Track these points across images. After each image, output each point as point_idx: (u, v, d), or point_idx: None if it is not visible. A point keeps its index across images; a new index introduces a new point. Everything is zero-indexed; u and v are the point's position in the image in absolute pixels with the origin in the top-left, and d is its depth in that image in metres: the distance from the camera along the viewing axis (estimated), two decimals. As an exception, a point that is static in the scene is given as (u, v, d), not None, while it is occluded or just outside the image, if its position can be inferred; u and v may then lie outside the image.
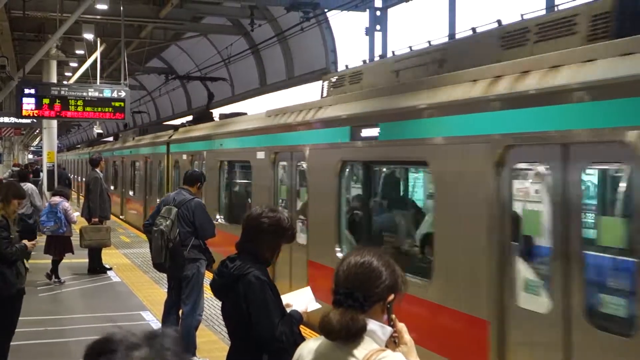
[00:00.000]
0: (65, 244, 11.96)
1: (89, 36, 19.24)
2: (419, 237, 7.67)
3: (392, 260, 2.49)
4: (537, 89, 5.08)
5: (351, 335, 2.29)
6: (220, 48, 23.25)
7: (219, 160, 13.08)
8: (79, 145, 55.55)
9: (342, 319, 2.29)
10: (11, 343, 6.66)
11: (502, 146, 5.40)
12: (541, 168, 5.23)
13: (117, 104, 15.48)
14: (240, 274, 3.65)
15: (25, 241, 6.64)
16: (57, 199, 12.05)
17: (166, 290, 7.93)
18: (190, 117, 19.56)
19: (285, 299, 3.85)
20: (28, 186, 12.82)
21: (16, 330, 6.71)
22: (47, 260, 12.12)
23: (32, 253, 6.88)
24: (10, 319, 6.47)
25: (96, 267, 13.05)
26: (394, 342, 2.39)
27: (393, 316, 2.40)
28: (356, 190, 8.59)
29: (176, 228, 7.26)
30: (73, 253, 12.22)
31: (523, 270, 5.34)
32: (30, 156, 62.75)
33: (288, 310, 3.76)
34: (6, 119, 25.10)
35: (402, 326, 2.41)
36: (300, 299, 3.89)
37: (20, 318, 6.73)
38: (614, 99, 4.42)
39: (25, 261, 6.62)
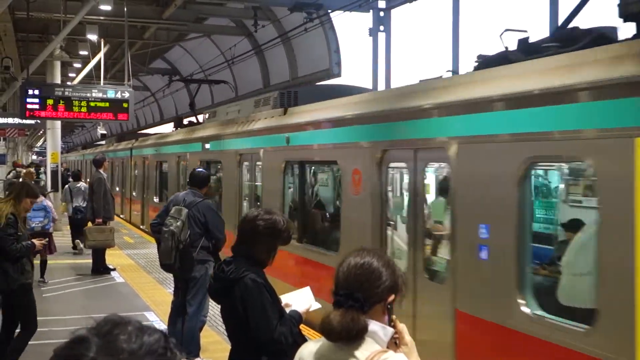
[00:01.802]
0: (51, 242, 11.93)
1: (92, 37, 19.27)
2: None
3: (393, 260, 2.49)
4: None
5: (352, 336, 2.28)
6: (224, 49, 23.26)
7: None
8: (101, 142, 40.47)
9: (343, 320, 2.29)
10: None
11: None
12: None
13: (120, 104, 15.51)
14: (236, 277, 3.65)
15: (34, 240, 6.82)
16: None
17: (170, 291, 7.94)
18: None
19: (284, 299, 3.85)
20: (81, 185, 15.63)
21: (19, 330, 6.77)
22: (55, 260, 12.14)
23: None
24: (24, 314, 6.60)
25: (100, 268, 13.07)
26: (394, 343, 2.39)
27: (394, 317, 2.40)
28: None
29: (187, 229, 7.22)
30: (56, 251, 12.32)
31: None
32: (34, 157, 62.88)
33: (287, 310, 3.76)
34: (10, 120, 25.21)
35: (402, 327, 2.41)
36: (300, 299, 3.89)
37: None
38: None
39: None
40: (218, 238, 7.43)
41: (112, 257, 14.03)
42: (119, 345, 1.22)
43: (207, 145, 14.34)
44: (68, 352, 1.23)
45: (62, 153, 27.39)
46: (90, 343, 1.23)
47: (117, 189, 26.30)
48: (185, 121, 19.77)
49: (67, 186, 16.23)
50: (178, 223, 7.19)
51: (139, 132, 34.84)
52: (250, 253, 3.76)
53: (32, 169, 18.57)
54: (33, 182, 14.05)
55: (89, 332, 1.25)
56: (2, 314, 6.76)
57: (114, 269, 13.24)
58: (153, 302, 10.35)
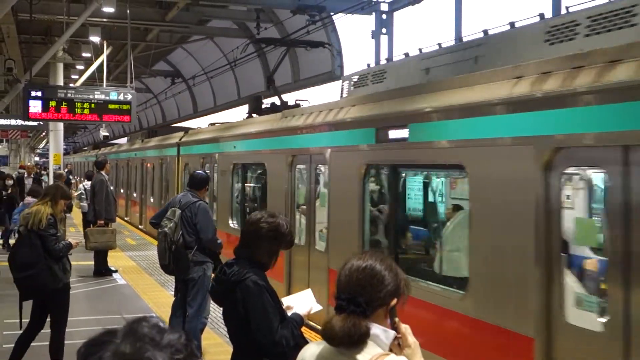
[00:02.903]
0: None
1: (95, 39, 19.30)
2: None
3: (395, 264, 2.47)
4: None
5: (353, 341, 2.27)
6: (226, 51, 23.28)
7: None
8: (117, 141, 33.84)
9: (344, 325, 2.27)
10: (3, 346, 6.76)
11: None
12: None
13: (123, 106, 15.53)
14: (238, 279, 3.65)
15: (69, 239, 7.11)
16: (30, 199, 12.31)
17: (171, 292, 7.94)
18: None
19: (286, 301, 3.86)
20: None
21: (9, 332, 6.84)
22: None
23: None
24: (60, 313, 6.78)
25: (102, 270, 13.07)
26: (398, 345, 2.38)
27: (397, 319, 2.39)
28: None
29: (179, 230, 7.27)
30: None
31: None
32: (37, 158, 62.90)
33: (289, 312, 3.76)
34: (13, 122, 25.23)
35: (406, 328, 2.40)
36: (301, 301, 3.90)
37: (24, 320, 6.79)
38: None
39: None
40: (203, 239, 7.43)
41: (114, 259, 14.03)
42: (141, 331, 1.35)
43: (396, 133, 7.12)
44: (97, 340, 1.36)
45: (68, 154, 26.99)
46: (117, 332, 1.36)
47: (152, 199, 20.48)
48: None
49: (81, 185, 17.04)
50: (171, 224, 7.26)
51: (173, 125, 28.24)
52: (252, 256, 3.76)
53: (64, 172, 18.82)
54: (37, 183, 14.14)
55: (119, 326, 1.39)
56: (32, 314, 6.85)
57: (115, 271, 13.24)
58: (155, 304, 10.35)
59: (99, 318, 9.28)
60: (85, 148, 50.75)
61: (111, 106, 15.43)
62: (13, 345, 6.82)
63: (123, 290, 11.61)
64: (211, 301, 7.64)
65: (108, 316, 9.39)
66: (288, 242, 3.85)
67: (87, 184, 15.69)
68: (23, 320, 6.72)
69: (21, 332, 6.78)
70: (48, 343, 6.80)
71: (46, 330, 6.86)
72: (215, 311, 8.92)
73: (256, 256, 3.76)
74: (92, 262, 13.18)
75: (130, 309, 9.96)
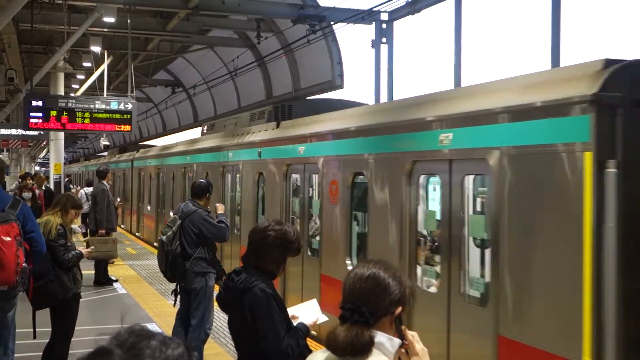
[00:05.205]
0: None
1: (96, 49, 19.33)
2: None
3: (400, 271, 2.46)
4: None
5: (357, 351, 2.26)
6: (227, 60, 23.32)
7: None
8: (157, 139, 30.12)
9: (348, 335, 2.26)
10: (15, 355, 6.70)
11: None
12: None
13: (124, 116, 15.55)
14: (246, 287, 3.64)
15: (81, 249, 7.13)
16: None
17: (172, 302, 7.94)
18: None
19: (292, 311, 3.85)
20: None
21: (23, 342, 6.79)
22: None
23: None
24: (67, 322, 6.82)
25: (102, 279, 13.06)
26: (405, 353, 2.37)
27: (403, 327, 2.38)
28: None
29: (177, 239, 7.27)
30: None
31: None
32: (37, 168, 62.91)
33: (294, 322, 3.75)
34: (13, 131, 25.26)
35: (413, 336, 2.39)
36: (307, 311, 3.89)
37: (27, 330, 6.77)
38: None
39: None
40: (217, 236, 7.50)
41: (114, 268, 14.01)
42: (143, 359, 1.20)
43: None
44: None
45: (76, 161, 26.65)
46: (113, 355, 1.20)
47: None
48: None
49: (82, 191, 17.60)
50: (169, 233, 7.28)
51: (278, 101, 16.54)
52: (260, 264, 3.75)
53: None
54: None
55: (111, 343, 1.22)
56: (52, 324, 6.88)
57: (116, 280, 13.22)
58: (155, 313, 10.33)
59: (99, 327, 9.26)
60: (104, 153, 39.91)
61: (112, 115, 15.46)
62: (24, 354, 6.82)
63: (124, 300, 11.60)
64: (215, 312, 7.65)
65: (109, 326, 9.36)
66: (295, 249, 3.84)
67: (88, 189, 15.82)
68: (37, 330, 6.68)
69: (32, 339, 6.76)
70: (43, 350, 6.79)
71: (43, 340, 6.84)
72: (217, 321, 8.91)
73: (264, 264, 3.75)
74: (93, 272, 13.17)
75: (131, 318, 9.92)
